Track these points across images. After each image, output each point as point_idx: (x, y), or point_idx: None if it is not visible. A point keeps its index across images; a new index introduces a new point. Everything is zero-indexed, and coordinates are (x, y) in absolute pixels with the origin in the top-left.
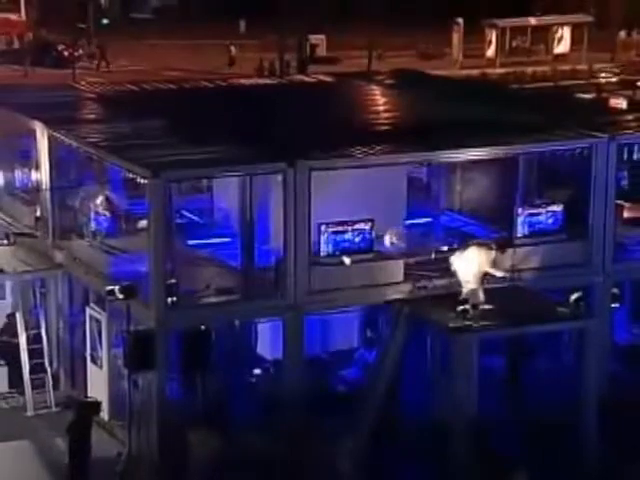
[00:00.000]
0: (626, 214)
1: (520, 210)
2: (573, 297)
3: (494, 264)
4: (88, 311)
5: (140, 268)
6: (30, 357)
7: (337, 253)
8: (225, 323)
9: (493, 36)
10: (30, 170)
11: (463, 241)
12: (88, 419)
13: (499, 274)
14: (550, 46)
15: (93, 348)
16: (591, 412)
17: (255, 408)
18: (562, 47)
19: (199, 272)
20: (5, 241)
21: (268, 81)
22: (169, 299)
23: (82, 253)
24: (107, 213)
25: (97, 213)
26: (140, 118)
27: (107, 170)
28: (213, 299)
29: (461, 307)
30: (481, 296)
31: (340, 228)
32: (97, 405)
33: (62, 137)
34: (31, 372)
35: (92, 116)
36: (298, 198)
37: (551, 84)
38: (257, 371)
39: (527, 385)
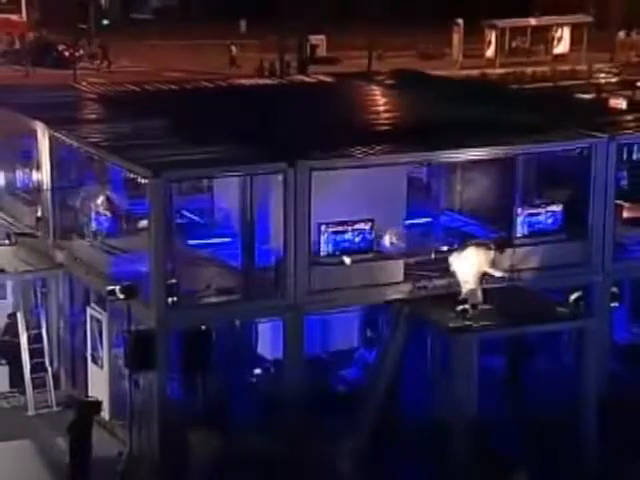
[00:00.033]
0: (625, 214)
1: (520, 210)
2: (573, 297)
3: (493, 264)
4: (89, 311)
5: (141, 268)
6: (31, 357)
7: (337, 253)
8: (225, 323)
9: (493, 36)
10: (31, 170)
11: (463, 241)
12: (89, 419)
13: (498, 274)
14: (550, 46)
15: (94, 348)
16: (591, 412)
17: (255, 408)
18: (562, 47)
19: (199, 272)
20: (6, 241)
21: (268, 81)
22: (169, 299)
23: (83, 253)
24: (108, 213)
25: (98, 213)
26: (141, 118)
27: (108, 170)
28: (213, 299)
29: (460, 307)
30: (480, 296)
31: (340, 228)
32: (98, 405)
33: (63, 137)
34: (32, 372)
35: (93, 116)
36: (298, 198)
37: (551, 84)
38: (257, 371)
39: (527, 385)
